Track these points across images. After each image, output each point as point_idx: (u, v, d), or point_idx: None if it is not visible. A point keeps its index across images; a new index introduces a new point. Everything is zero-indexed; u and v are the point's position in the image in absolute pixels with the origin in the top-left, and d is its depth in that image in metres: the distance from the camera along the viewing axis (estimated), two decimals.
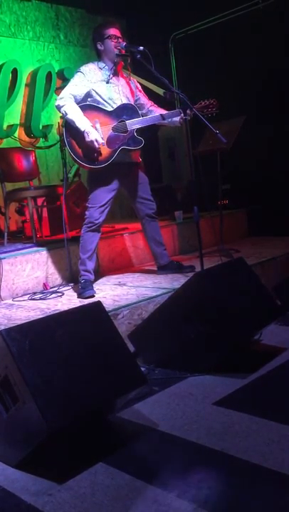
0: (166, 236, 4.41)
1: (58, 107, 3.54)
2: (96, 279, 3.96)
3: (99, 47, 3.65)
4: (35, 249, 4.10)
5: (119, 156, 3.58)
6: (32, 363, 1.95)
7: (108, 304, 3.26)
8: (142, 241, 4.61)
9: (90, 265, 3.73)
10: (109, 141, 3.55)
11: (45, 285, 3.99)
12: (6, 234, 4.60)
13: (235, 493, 1.70)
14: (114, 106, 3.60)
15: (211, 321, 2.67)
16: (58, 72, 6.23)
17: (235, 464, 1.86)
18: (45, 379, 1.93)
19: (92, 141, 3.44)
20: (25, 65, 5.98)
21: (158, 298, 3.35)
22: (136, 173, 3.81)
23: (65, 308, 3.23)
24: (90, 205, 3.70)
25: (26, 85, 6.01)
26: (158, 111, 3.77)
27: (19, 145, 5.76)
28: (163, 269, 4.08)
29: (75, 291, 3.79)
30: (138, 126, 3.60)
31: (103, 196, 3.67)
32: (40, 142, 6.12)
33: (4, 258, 3.82)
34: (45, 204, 5.02)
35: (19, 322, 2.70)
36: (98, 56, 3.71)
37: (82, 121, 3.46)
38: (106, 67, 3.65)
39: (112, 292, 3.66)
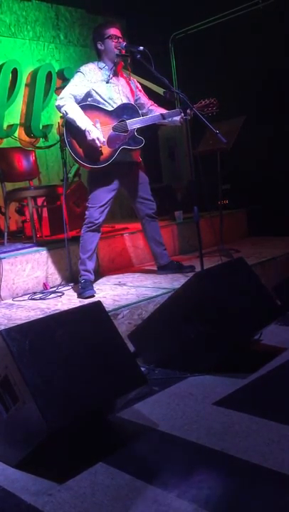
0: (166, 236, 4.41)
1: (58, 107, 3.54)
2: (96, 279, 3.96)
3: (99, 46, 3.65)
4: (35, 249, 4.11)
5: (119, 156, 3.58)
6: (32, 363, 1.95)
7: (108, 303, 3.26)
8: (142, 241, 4.61)
9: (90, 265, 3.73)
10: (110, 141, 3.55)
11: (45, 285, 3.99)
12: (6, 234, 4.60)
13: (236, 493, 1.70)
14: (115, 106, 3.60)
15: (211, 321, 2.67)
16: (58, 72, 6.23)
17: (235, 464, 1.86)
18: (45, 379, 1.93)
19: (93, 140, 3.43)
20: (26, 64, 5.98)
21: (158, 298, 3.35)
22: (136, 173, 3.81)
23: (65, 308, 3.23)
24: (90, 205, 3.70)
25: (26, 85, 6.01)
26: (158, 110, 3.77)
27: (19, 145, 5.76)
28: (163, 269, 4.08)
29: (75, 291, 3.79)
30: (138, 125, 3.60)
31: (103, 196, 3.67)
32: (40, 142, 6.13)
33: (4, 258, 3.82)
34: (45, 204, 5.02)
35: (19, 322, 2.70)
36: (98, 56, 3.71)
37: (83, 120, 3.46)
38: (106, 67, 3.65)
39: (112, 292, 3.66)
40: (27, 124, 6.00)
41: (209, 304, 2.71)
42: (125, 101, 3.64)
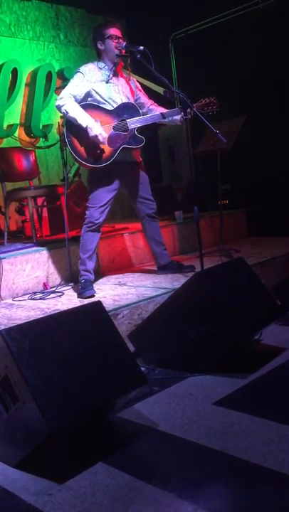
0: (166, 236, 4.41)
1: (58, 107, 3.53)
2: (96, 279, 3.96)
3: (99, 46, 3.65)
4: (35, 248, 4.11)
5: (120, 155, 3.58)
6: (32, 362, 1.95)
7: (108, 303, 3.26)
8: (142, 241, 4.61)
9: (90, 265, 3.73)
10: (111, 140, 3.55)
11: (45, 285, 3.99)
12: (6, 234, 4.60)
13: (235, 493, 1.70)
14: (115, 105, 3.60)
15: (211, 321, 2.67)
16: (58, 72, 6.23)
17: (235, 464, 1.86)
18: (45, 379, 1.93)
19: (95, 136, 3.43)
20: (26, 64, 5.98)
21: (158, 298, 3.35)
22: (137, 173, 3.81)
23: (65, 308, 3.23)
24: (90, 205, 3.70)
25: (26, 85, 6.01)
26: (158, 110, 3.77)
27: (19, 145, 5.76)
28: (163, 269, 4.08)
29: (75, 291, 3.79)
30: (139, 124, 3.60)
31: (103, 196, 3.67)
32: (40, 142, 6.12)
33: (4, 258, 3.82)
34: (45, 204, 5.02)
35: (19, 322, 2.70)
36: (98, 56, 3.71)
37: (84, 117, 3.46)
38: (106, 67, 3.65)
39: (112, 292, 3.66)
40: (27, 124, 6.00)
41: (209, 304, 2.71)
42: (125, 100, 3.64)
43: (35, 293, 3.87)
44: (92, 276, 3.75)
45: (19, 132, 5.94)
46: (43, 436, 1.85)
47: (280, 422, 2.10)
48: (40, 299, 3.72)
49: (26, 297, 3.79)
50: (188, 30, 6.24)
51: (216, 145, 4.23)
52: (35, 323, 2.13)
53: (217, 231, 4.55)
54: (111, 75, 3.64)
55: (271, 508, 1.61)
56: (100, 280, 4.13)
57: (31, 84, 6.00)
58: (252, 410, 2.24)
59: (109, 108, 3.59)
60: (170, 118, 3.72)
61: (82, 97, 3.57)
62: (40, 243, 4.29)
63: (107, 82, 3.61)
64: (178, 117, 3.69)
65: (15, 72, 5.78)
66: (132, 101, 3.69)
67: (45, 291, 3.91)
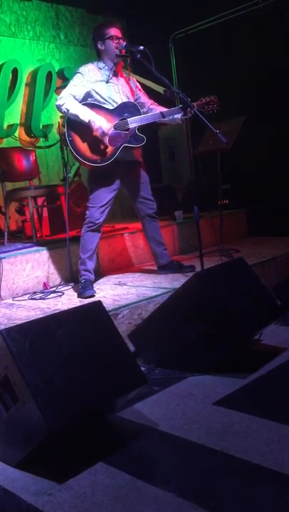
0: (166, 236, 4.41)
1: (59, 107, 3.53)
2: (96, 279, 3.96)
3: (99, 47, 3.65)
4: (35, 248, 4.11)
5: (121, 154, 3.58)
6: (32, 362, 1.95)
7: (108, 303, 3.26)
8: (142, 241, 4.61)
9: (90, 265, 3.73)
10: (111, 139, 3.55)
11: (45, 285, 3.99)
12: (6, 233, 4.60)
13: (236, 493, 1.70)
14: (115, 105, 3.60)
15: (211, 321, 2.67)
16: (58, 72, 6.23)
17: (235, 464, 1.86)
18: (45, 379, 1.93)
19: (99, 127, 3.43)
20: (26, 64, 5.98)
21: (158, 298, 3.36)
22: (137, 172, 3.81)
23: (65, 308, 3.23)
24: (90, 205, 3.70)
25: (26, 85, 6.01)
26: (159, 109, 3.77)
27: (19, 145, 5.76)
28: (163, 268, 4.08)
29: (75, 291, 3.79)
30: (139, 123, 3.60)
31: (104, 196, 3.67)
32: (41, 142, 6.13)
33: (4, 258, 3.82)
34: (45, 204, 5.03)
35: (19, 322, 2.70)
36: (98, 56, 3.71)
37: (86, 112, 3.46)
38: (106, 67, 3.65)
39: (112, 292, 3.66)
40: (27, 124, 6.00)
41: (209, 304, 2.71)
42: (125, 100, 3.63)
43: (35, 293, 3.87)
44: (92, 276, 3.75)
45: (19, 132, 5.94)
46: (43, 436, 1.85)
47: (280, 422, 2.10)
48: (41, 298, 3.72)
49: (26, 297, 3.79)
50: (188, 30, 6.24)
51: (216, 145, 4.23)
52: (35, 323, 2.13)
53: (217, 231, 4.55)
54: (111, 75, 3.64)
55: (271, 508, 1.61)
56: (100, 280, 4.13)
57: (31, 84, 6.01)
58: (252, 410, 2.24)
59: (110, 107, 3.59)
60: (171, 117, 3.72)
61: (82, 97, 3.57)
62: (40, 243, 4.29)
63: (107, 82, 3.61)
64: (178, 116, 3.69)
65: (15, 72, 5.79)
66: (132, 100, 3.69)
67: (46, 291, 3.91)
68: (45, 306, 3.49)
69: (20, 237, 5.06)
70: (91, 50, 4.83)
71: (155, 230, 3.98)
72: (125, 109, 3.60)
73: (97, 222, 3.68)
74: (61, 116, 5.79)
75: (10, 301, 3.76)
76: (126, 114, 3.59)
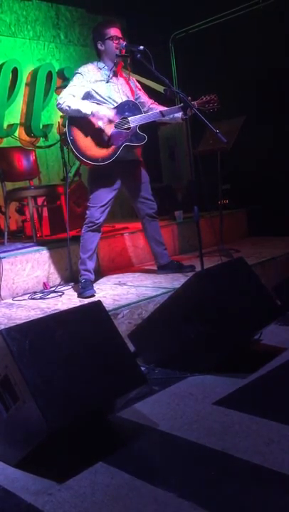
0: (166, 236, 4.41)
1: (59, 106, 3.52)
2: (96, 279, 3.96)
3: (99, 47, 3.65)
4: (35, 248, 4.10)
5: (122, 153, 3.57)
6: (32, 362, 1.95)
7: (108, 303, 3.26)
8: (142, 241, 4.61)
9: (90, 265, 3.73)
10: (113, 138, 3.55)
11: (45, 284, 3.99)
12: (6, 233, 4.60)
13: (236, 493, 1.70)
14: (115, 104, 3.60)
15: (211, 321, 2.67)
16: (58, 72, 6.24)
17: (235, 464, 1.86)
18: (45, 379, 1.93)
19: (104, 115, 3.44)
20: (26, 64, 5.98)
21: (158, 297, 3.36)
22: (138, 172, 3.81)
23: (65, 307, 3.23)
24: (90, 205, 3.70)
25: (26, 85, 6.02)
26: (159, 108, 3.77)
27: (19, 144, 5.76)
28: (163, 268, 4.08)
29: (75, 291, 3.79)
30: (140, 122, 3.60)
31: (104, 196, 3.67)
32: (41, 142, 6.13)
33: (4, 257, 3.82)
34: (45, 203, 5.03)
35: (19, 321, 2.70)
36: (98, 55, 3.71)
37: (87, 105, 3.47)
38: (106, 67, 3.65)
39: (112, 292, 3.66)
40: (27, 124, 6.00)
41: (209, 304, 2.71)
42: (125, 99, 3.63)
43: (35, 292, 3.87)
44: (92, 276, 3.75)
45: (19, 132, 5.94)
46: (43, 436, 1.85)
47: (280, 422, 2.10)
48: (41, 298, 3.72)
49: (26, 297, 3.79)
50: (188, 29, 6.24)
51: (216, 145, 4.23)
52: (35, 323, 2.13)
53: (217, 231, 4.55)
54: (111, 75, 3.64)
55: (271, 508, 1.61)
56: (100, 280, 4.13)
57: (31, 83, 6.01)
58: (252, 410, 2.24)
59: (111, 106, 3.59)
60: (171, 116, 3.72)
61: (81, 97, 3.56)
62: (40, 243, 4.29)
63: (106, 82, 3.61)
64: (179, 115, 3.69)
65: (15, 72, 5.79)
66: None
67: (45, 290, 3.91)
68: (45, 305, 3.49)
69: (20, 237, 5.06)
70: (91, 50, 4.83)
71: (155, 229, 3.98)
72: (126, 108, 3.60)
73: (98, 222, 3.68)
74: (61, 116, 5.79)
75: (10, 300, 3.76)
76: (127, 113, 3.59)
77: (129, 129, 3.58)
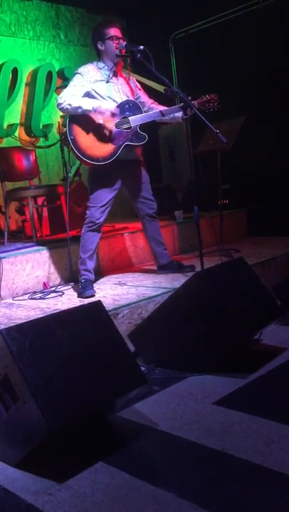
0: (166, 236, 4.41)
1: (60, 105, 3.51)
2: (96, 279, 3.96)
3: (99, 47, 3.64)
4: (35, 248, 4.10)
5: (123, 153, 3.57)
6: (32, 362, 1.95)
7: (108, 303, 3.26)
8: (142, 240, 4.61)
9: (91, 265, 3.73)
10: (113, 138, 3.54)
11: (45, 284, 3.99)
12: (6, 233, 4.60)
13: (236, 493, 1.70)
14: (115, 104, 3.60)
15: (211, 321, 2.67)
16: (58, 72, 6.24)
17: (235, 464, 1.86)
18: (45, 379, 1.93)
19: (106, 110, 3.45)
20: (26, 64, 5.99)
21: (158, 297, 3.36)
22: (138, 172, 3.81)
23: (65, 307, 3.23)
24: (91, 205, 3.70)
25: (26, 84, 6.02)
26: (159, 108, 3.77)
27: (19, 144, 5.76)
28: (163, 268, 4.08)
29: (75, 291, 3.79)
30: (141, 122, 3.59)
31: (104, 196, 3.67)
32: (41, 141, 6.13)
33: (4, 257, 3.82)
34: (45, 203, 5.03)
35: (19, 321, 2.70)
36: (98, 55, 3.71)
37: (88, 101, 3.47)
38: (106, 67, 3.65)
39: (112, 292, 3.66)
40: (27, 124, 6.00)
41: (209, 304, 2.71)
42: (126, 99, 3.63)
43: (35, 292, 3.87)
44: (92, 276, 3.74)
45: (19, 132, 5.95)
46: (43, 436, 1.85)
47: (280, 422, 2.10)
48: (40, 298, 3.72)
49: (26, 297, 3.79)
50: (188, 29, 6.24)
51: (216, 145, 4.23)
52: (35, 323, 2.13)
53: (217, 231, 4.55)
54: (111, 75, 3.64)
55: (271, 508, 1.61)
56: (100, 280, 4.13)
57: (31, 83, 6.01)
58: (252, 410, 2.24)
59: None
60: (171, 115, 3.72)
61: (82, 97, 3.56)
62: (40, 243, 4.29)
63: (106, 82, 3.61)
64: (179, 114, 3.69)
65: (15, 72, 5.79)
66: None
67: (45, 290, 3.91)
68: (45, 305, 3.49)
69: (20, 237, 5.06)
70: (91, 49, 4.84)
71: (155, 229, 3.98)
72: (126, 108, 3.60)
73: (98, 222, 3.68)
74: (61, 116, 5.80)
75: (10, 300, 3.76)
76: (127, 113, 3.59)
77: (129, 128, 3.58)
